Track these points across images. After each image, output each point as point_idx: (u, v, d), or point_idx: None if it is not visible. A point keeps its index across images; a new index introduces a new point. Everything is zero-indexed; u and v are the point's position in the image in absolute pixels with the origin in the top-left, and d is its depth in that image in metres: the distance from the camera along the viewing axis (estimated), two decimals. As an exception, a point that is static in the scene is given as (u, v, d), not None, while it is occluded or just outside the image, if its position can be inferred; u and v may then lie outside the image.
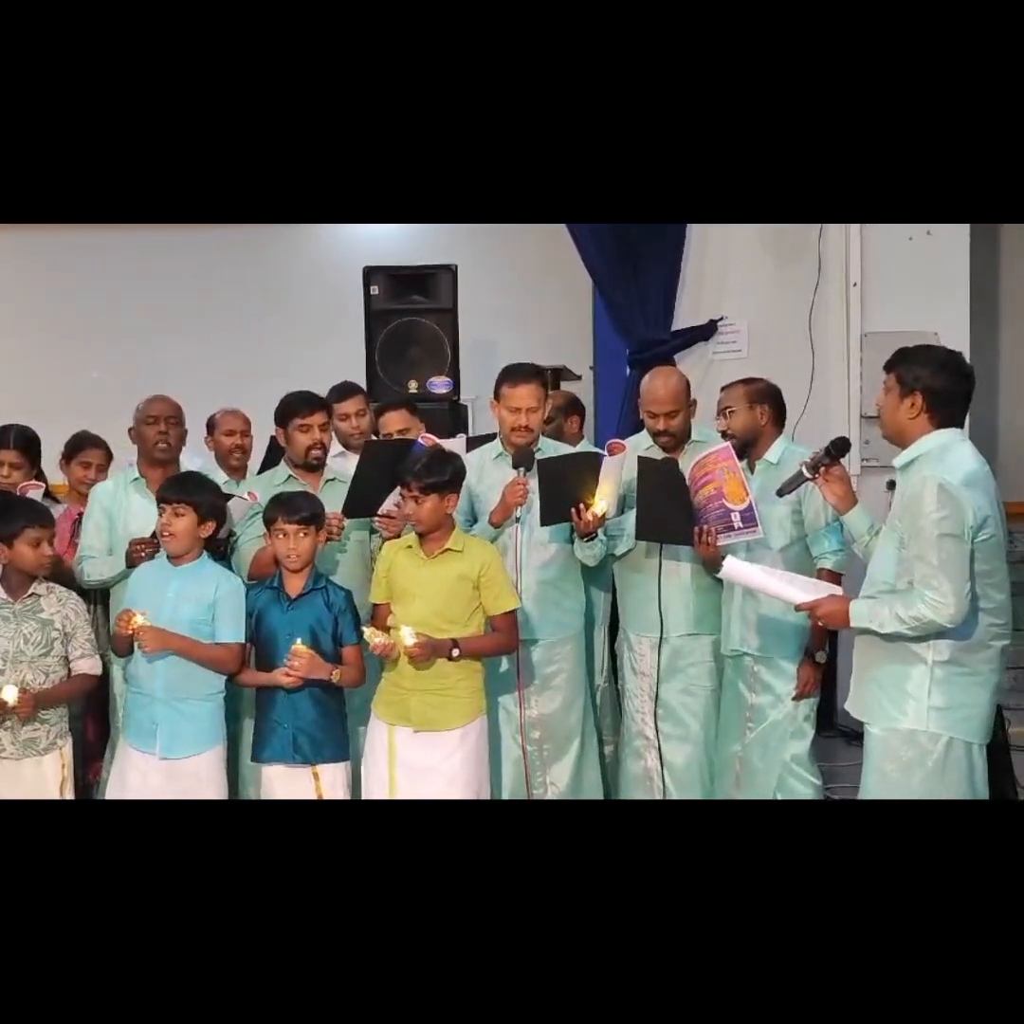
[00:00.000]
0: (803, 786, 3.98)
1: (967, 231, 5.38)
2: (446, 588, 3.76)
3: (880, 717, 3.13)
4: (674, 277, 5.77)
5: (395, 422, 4.72)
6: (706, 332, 5.64)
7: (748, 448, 4.03)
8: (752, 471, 4.02)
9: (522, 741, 4.22)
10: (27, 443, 4.70)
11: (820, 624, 3.38)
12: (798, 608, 3.26)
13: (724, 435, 4.02)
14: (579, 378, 7.57)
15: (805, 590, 3.27)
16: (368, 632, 3.67)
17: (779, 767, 3.97)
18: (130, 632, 3.61)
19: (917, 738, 3.05)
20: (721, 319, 5.62)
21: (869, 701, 3.18)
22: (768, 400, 4.08)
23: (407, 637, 3.58)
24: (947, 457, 3.06)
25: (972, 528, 2.97)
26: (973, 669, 3.07)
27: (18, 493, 4.31)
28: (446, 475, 3.74)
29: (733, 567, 3.42)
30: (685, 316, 5.74)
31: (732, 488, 3.64)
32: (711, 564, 4.01)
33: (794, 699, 3.95)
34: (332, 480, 4.30)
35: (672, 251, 5.73)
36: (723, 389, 4.14)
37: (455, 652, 3.67)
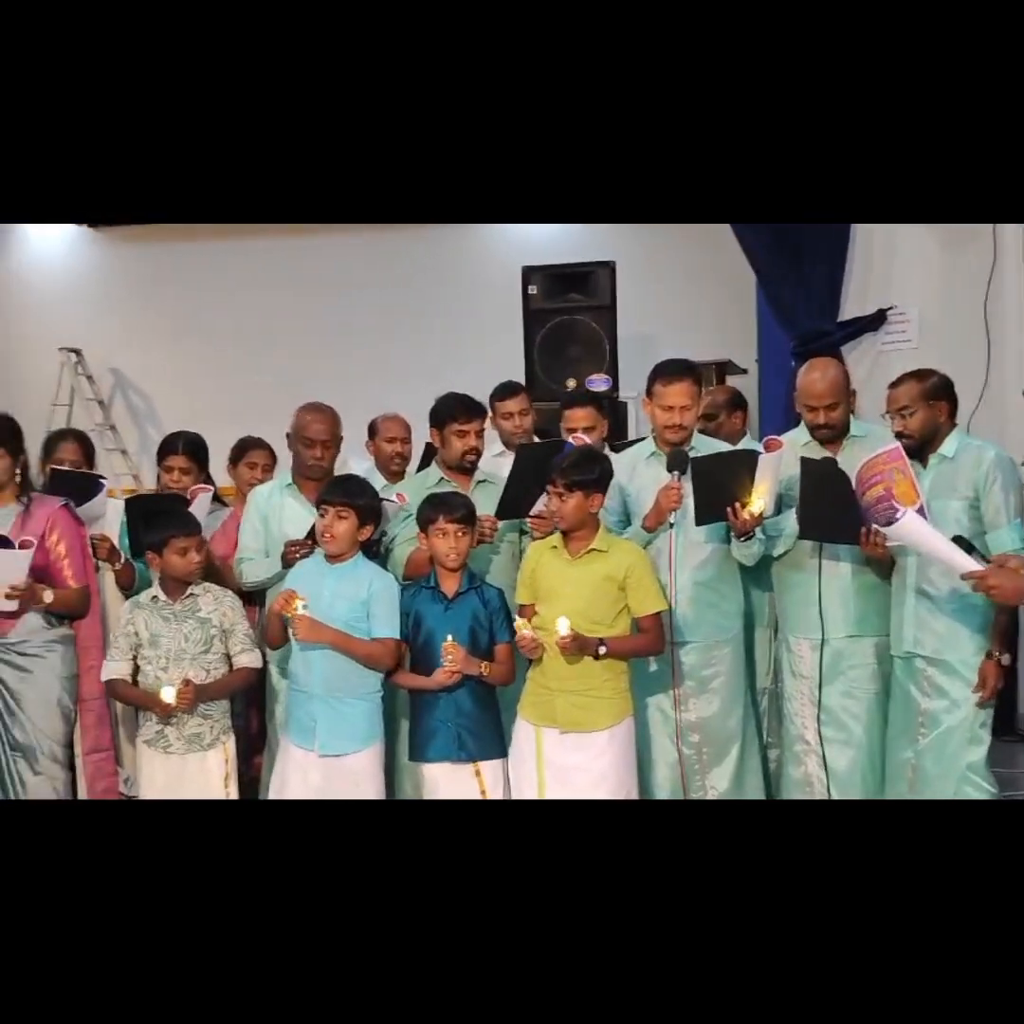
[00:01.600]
0: (979, 795, 3.80)
1: None
2: (591, 588, 3.73)
3: None
4: (840, 267, 5.62)
5: (581, 419, 4.63)
6: (874, 323, 5.46)
7: (924, 447, 3.86)
8: (924, 466, 3.85)
9: (678, 744, 4.15)
10: (195, 448, 4.83)
11: (993, 598, 3.18)
12: (965, 576, 3.10)
13: (899, 435, 3.83)
14: (745, 372, 7.45)
15: (977, 562, 3.11)
16: (519, 622, 3.67)
17: (955, 775, 3.80)
18: (288, 614, 3.66)
19: None
20: (890, 309, 5.44)
21: None
22: (945, 395, 3.88)
23: (562, 627, 3.56)
24: None
25: None
26: None
27: (188, 497, 4.44)
28: (593, 474, 3.72)
29: (912, 522, 3.23)
30: (852, 307, 5.59)
31: (903, 489, 3.48)
32: (878, 564, 3.90)
33: (978, 704, 3.76)
34: (483, 482, 4.31)
35: (837, 241, 5.58)
36: (894, 387, 3.93)
37: (601, 650, 3.64)
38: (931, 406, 3.83)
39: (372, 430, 5.26)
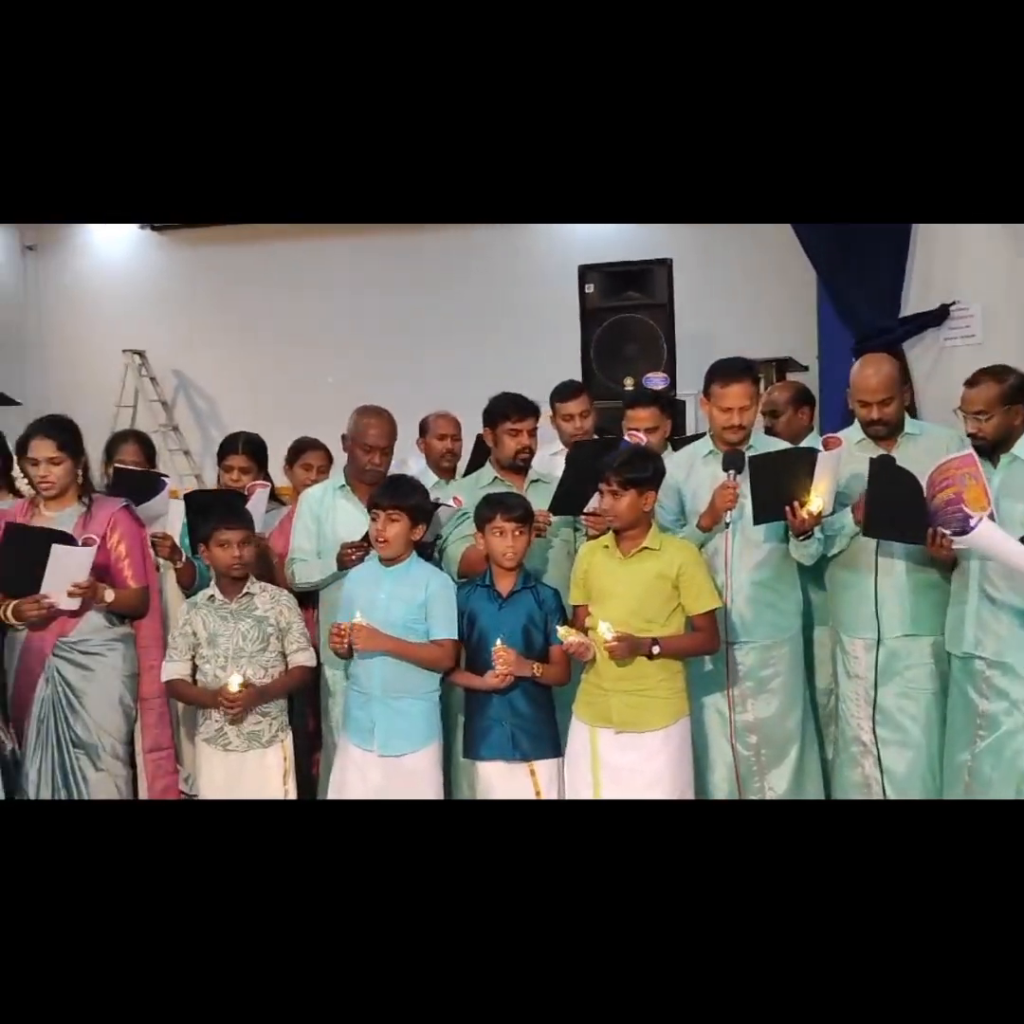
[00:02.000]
0: None
1: None
2: (643, 587, 3.70)
3: None
4: (901, 262, 5.52)
5: (644, 419, 4.60)
6: (937, 317, 5.36)
7: (997, 447, 3.76)
8: (995, 466, 3.75)
9: (735, 744, 4.12)
10: (255, 448, 4.88)
11: None
12: None
13: (972, 437, 3.75)
14: (806, 369, 7.36)
15: None
16: (562, 631, 3.65)
17: (1015, 779, 3.70)
18: (345, 635, 3.70)
19: None
20: (953, 304, 5.33)
21: None
22: (1021, 397, 3.75)
23: (605, 632, 3.55)
24: None
25: None
26: None
27: (246, 493, 4.48)
28: (646, 471, 3.69)
29: (986, 530, 3.17)
30: (914, 302, 5.48)
31: (973, 494, 3.39)
32: (941, 563, 3.83)
33: None
34: (536, 481, 4.31)
35: (899, 237, 5.49)
36: (970, 386, 3.80)
37: (655, 649, 3.61)
38: (1008, 410, 3.72)
39: (423, 428, 5.27)
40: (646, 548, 3.71)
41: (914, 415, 4.13)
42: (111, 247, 12.30)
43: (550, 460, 4.59)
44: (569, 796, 3.81)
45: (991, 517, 3.39)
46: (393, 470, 4.38)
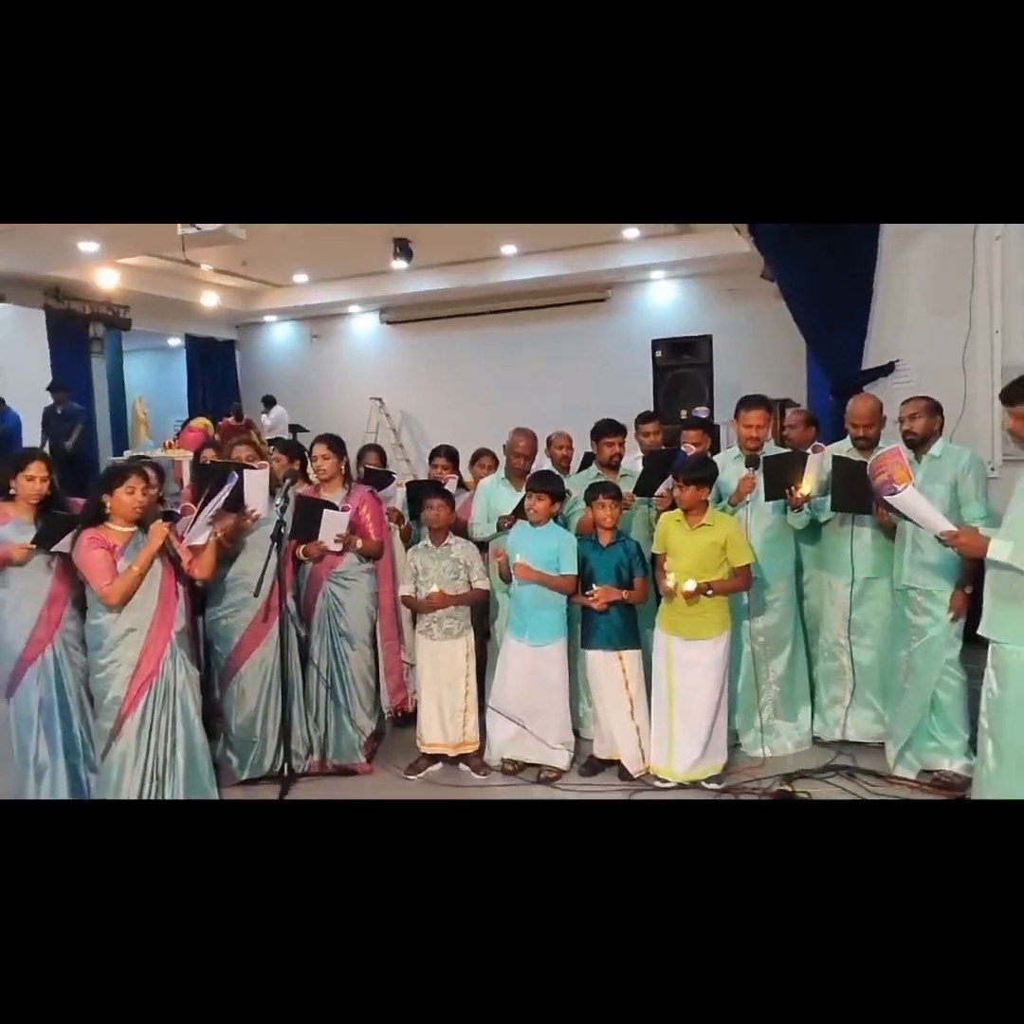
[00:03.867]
0: (954, 681, 3.50)
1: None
2: (703, 550, 3.56)
3: (1016, 639, 2.62)
4: (862, 332, 5.25)
5: (694, 437, 4.33)
6: (886, 370, 5.09)
7: (919, 449, 3.57)
8: (919, 462, 3.56)
9: (751, 643, 3.98)
10: (451, 454, 4.84)
11: (958, 548, 2.81)
12: (940, 534, 2.79)
13: (906, 434, 3.58)
14: (799, 405, 7.14)
15: (951, 525, 2.81)
16: (672, 577, 3.54)
17: (937, 668, 3.49)
18: (512, 565, 3.73)
19: None
20: (897, 361, 5.10)
21: (1005, 624, 2.66)
22: (938, 412, 3.62)
23: (689, 586, 3.47)
24: None
25: None
26: None
27: (442, 482, 4.45)
28: (705, 473, 3.62)
29: (909, 495, 2.91)
30: (871, 359, 5.23)
31: (900, 474, 3.20)
32: (886, 529, 3.68)
33: (951, 619, 3.48)
34: (625, 475, 4.22)
35: (862, 315, 5.26)
36: (906, 402, 3.66)
37: (709, 592, 3.51)
38: (932, 416, 3.59)
39: (549, 442, 5.18)
40: (704, 524, 3.58)
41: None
42: (363, 334, 12.68)
43: (634, 462, 4.49)
44: (653, 678, 3.71)
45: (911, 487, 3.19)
46: (534, 469, 4.29)
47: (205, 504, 3.35)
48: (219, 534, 3.44)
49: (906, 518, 3.08)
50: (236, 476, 3.48)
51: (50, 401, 9.28)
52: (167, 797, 3.11)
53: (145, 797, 3.08)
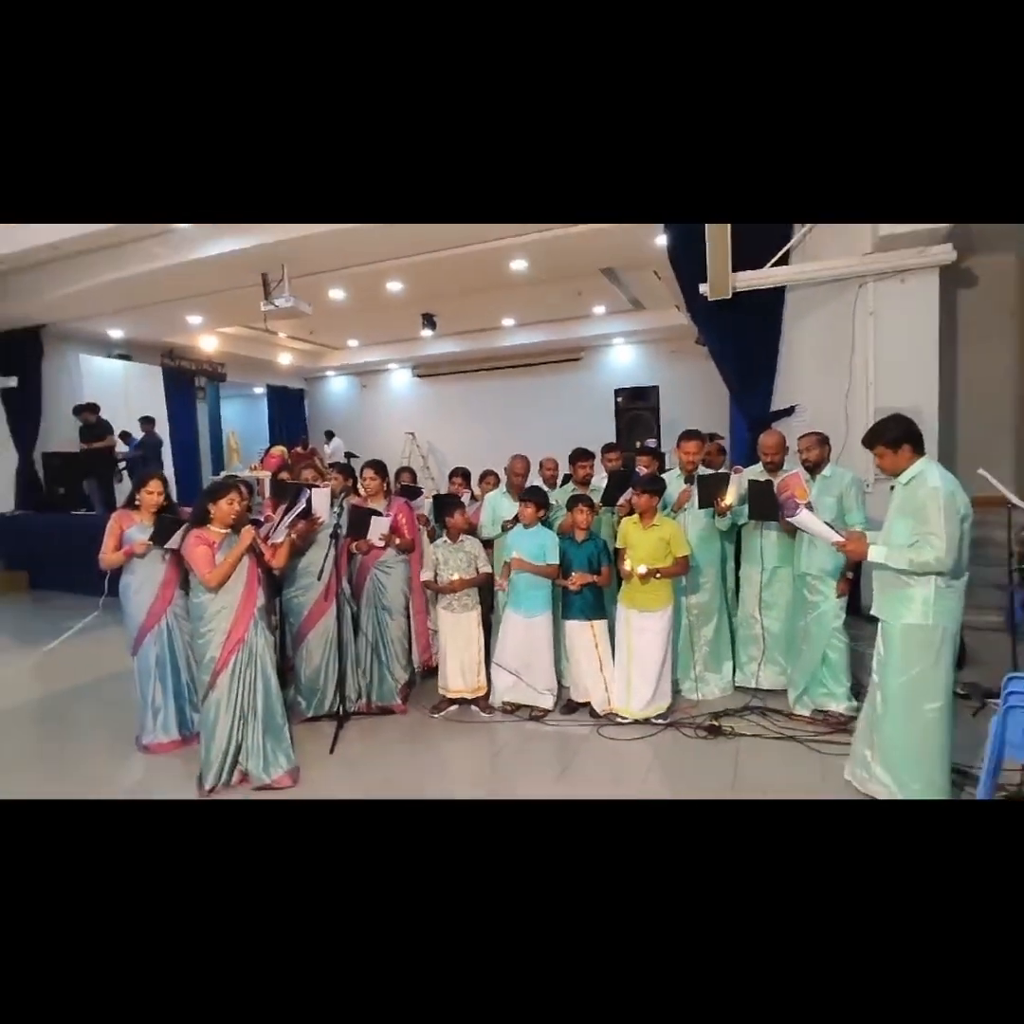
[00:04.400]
0: (840, 644, 3.47)
1: (936, 352, 4.68)
2: (653, 544, 3.53)
3: (895, 617, 2.62)
4: (772, 383, 5.26)
5: (645, 462, 4.35)
6: (789, 412, 5.08)
7: (814, 470, 3.57)
8: (814, 480, 3.56)
9: (688, 614, 3.94)
10: (464, 475, 4.79)
11: (847, 554, 2.79)
12: (833, 543, 2.78)
13: (804, 461, 3.57)
14: (723, 438, 7.15)
15: (839, 535, 2.81)
16: (629, 564, 3.52)
17: (827, 634, 3.48)
18: (508, 560, 3.66)
19: (925, 629, 2.54)
20: (797, 405, 5.09)
21: (887, 606, 2.65)
22: (827, 444, 3.61)
23: (641, 569, 3.45)
24: (934, 472, 2.52)
25: (962, 516, 2.46)
26: (954, 589, 2.54)
27: (459, 496, 4.37)
28: (656, 487, 3.59)
29: (805, 516, 2.90)
30: (777, 403, 5.23)
31: (799, 492, 3.21)
32: (788, 532, 3.64)
33: (837, 597, 3.46)
34: (594, 489, 4.15)
35: (771, 371, 5.23)
36: (803, 437, 3.66)
37: (658, 575, 3.48)
38: (822, 447, 3.58)
39: (540, 465, 5.17)
40: (654, 525, 3.55)
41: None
42: (400, 385, 12.67)
43: (601, 480, 4.46)
44: (616, 641, 3.64)
45: (809, 506, 3.10)
46: (528, 485, 4.25)
47: (285, 513, 3.38)
48: (293, 535, 3.43)
49: (807, 532, 3.07)
50: (308, 492, 3.50)
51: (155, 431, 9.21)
52: (250, 731, 3.08)
53: (233, 732, 3.05)
